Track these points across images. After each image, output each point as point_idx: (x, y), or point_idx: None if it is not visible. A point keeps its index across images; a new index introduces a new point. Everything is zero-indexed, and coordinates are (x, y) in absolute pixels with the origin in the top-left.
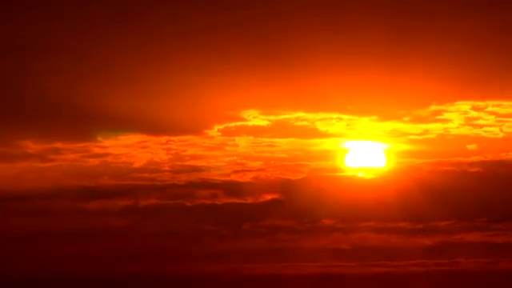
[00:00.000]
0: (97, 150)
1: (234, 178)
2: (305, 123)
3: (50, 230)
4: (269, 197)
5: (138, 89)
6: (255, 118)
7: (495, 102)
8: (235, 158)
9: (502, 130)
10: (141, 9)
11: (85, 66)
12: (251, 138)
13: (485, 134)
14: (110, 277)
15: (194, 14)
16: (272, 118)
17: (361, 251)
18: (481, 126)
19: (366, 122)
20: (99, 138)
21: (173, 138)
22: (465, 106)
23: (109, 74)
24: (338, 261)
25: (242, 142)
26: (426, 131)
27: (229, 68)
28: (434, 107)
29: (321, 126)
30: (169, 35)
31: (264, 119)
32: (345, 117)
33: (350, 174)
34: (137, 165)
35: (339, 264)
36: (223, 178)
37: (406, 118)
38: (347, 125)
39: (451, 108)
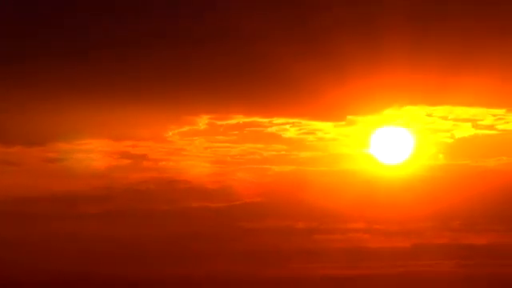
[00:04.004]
0: (55, 155)
1: (204, 181)
2: (260, 128)
3: (21, 235)
4: (246, 199)
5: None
6: (208, 124)
7: (447, 108)
8: (198, 161)
9: (453, 136)
10: (108, 14)
11: (46, 71)
12: (209, 143)
13: (440, 139)
14: (84, 279)
15: (154, 21)
16: (223, 122)
17: (336, 253)
18: (434, 131)
19: (321, 127)
20: (58, 143)
21: (130, 143)
22: (417, 110)
23: (69, 80)
24: (316, 263)
25: (200, 147)
26: (381, 136)
27: (181, 72)
28: (387, 112)
29: (276, 131)
30: (127, 43)
31: (219, 124)
32: (300, 121)
33: (312, 177)
34: (101, 168)
35: (315, 266)
36: (195, 181)
37: (360, 124)
38: (301, 129)
39: (404, 113)
